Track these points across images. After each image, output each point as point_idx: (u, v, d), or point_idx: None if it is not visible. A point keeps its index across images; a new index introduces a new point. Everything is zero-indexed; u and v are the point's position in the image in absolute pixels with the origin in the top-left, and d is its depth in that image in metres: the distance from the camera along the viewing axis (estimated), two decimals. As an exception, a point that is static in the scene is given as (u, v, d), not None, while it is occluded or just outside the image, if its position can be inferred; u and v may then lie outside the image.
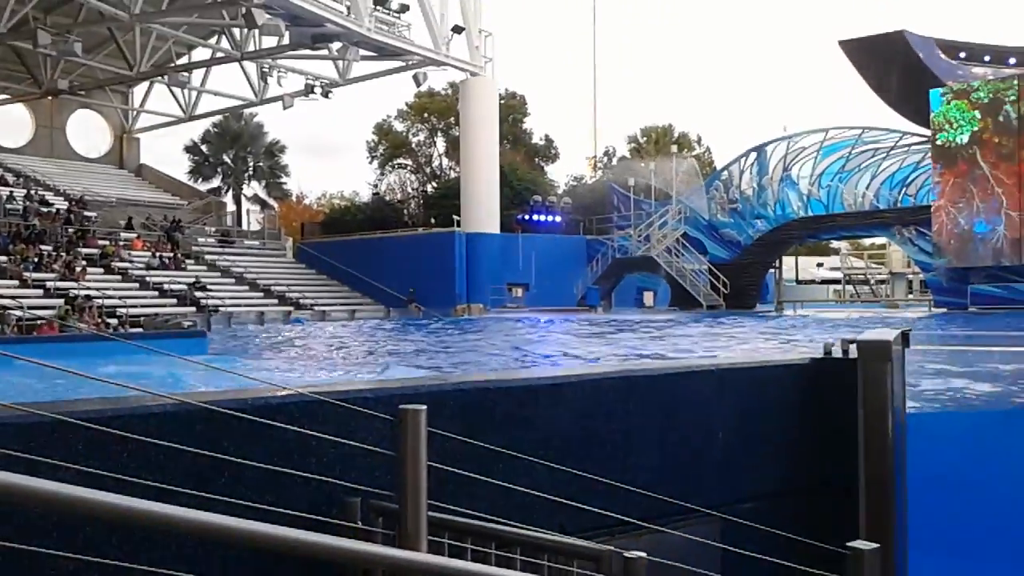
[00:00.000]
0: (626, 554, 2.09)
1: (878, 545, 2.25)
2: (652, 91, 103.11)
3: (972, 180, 25.13)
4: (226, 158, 48.62)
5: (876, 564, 2.23)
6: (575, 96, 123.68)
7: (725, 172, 33.11)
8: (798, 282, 45.39)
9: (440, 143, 53.18)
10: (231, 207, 46.30)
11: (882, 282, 43.17)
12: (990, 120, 25.00)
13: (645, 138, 60.16)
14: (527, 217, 38.79)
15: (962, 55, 27.12)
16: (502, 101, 42.74)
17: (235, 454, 2.19)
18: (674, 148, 41.41)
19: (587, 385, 3.31)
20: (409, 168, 53.86)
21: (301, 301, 32.81)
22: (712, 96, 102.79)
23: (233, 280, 33.32)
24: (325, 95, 35.84)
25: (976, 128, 25.17)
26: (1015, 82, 24.82)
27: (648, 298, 35.36)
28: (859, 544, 2.26)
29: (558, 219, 39.79)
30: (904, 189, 27.96)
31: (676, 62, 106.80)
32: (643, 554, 2.10)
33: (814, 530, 3.07)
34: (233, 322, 26.34)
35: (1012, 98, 24.62)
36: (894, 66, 26.74)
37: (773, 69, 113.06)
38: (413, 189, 53.24)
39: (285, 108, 36.68)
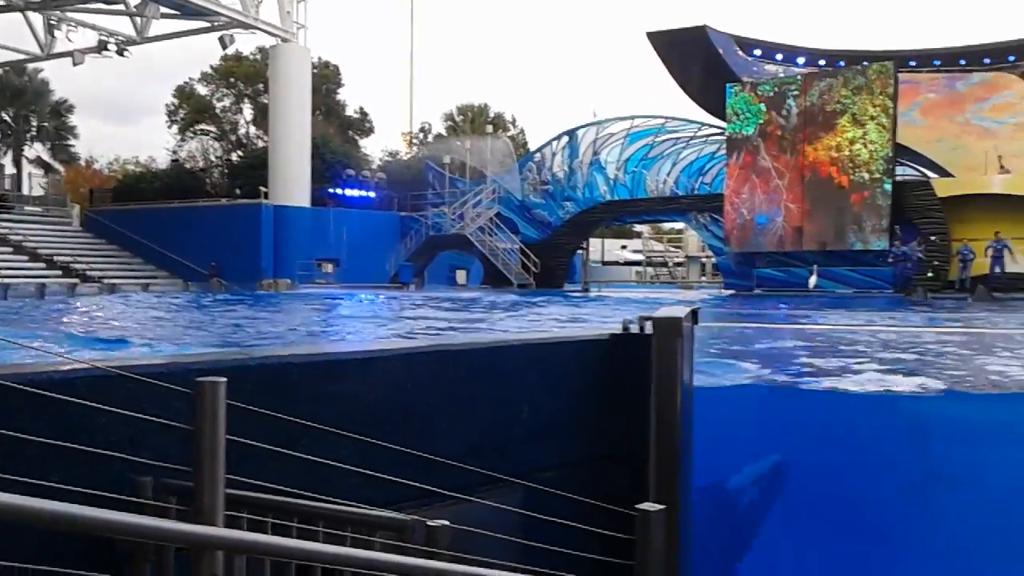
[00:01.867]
0: (429, 522, 2.13)
1: (664, 507, 2.42)
2: (469, 69, 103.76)
3: (756, 171, 27.17)
4: (5, 116, 44.25)
5: (661, 523, 2.40)
6: (391, 70, 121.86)
7: (538, 154, 33.93)
8: (604, 263, 47.45)
9: (247, 110, 50.88)
10: (10, 169, 42.31)
11: (679, 265, 45.95)
12: (774, 114, 27.06)
13: (461, 116, 60.50)
14: (339, 191, 38.05)
15: (757, 52, 29.22)
16: (315, 71, 41.53)
17: (16, 429, 2.02)
18: (489, 128, 41.96)
19: (396, 359, 3.32)
20: (212, 135, 51.12)
21: (88, 273, 30.53)
22: (527, 78, 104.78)
23: (11, 249, 30.46)
24: (120, 53, 33.38)
25: (762, 121, 27.18)
26: (798, 78, 27.04)
27: (461, 276, 35.73)
28: (646, 506, 2.43)
29: (372, 194, 39.33)
30: (701, 177, 29.85)
31: (494, 41, 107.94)
32: (446, 522, 2.15)
33: (610, 495, 3.25)
34: (9, 294, 24.14)
35: (795, 93, 26.80)
36: (695, 60, 28.35)
37: (587, 54, 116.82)
38: (216, 157, 50.51)
39: (75, 65, 33.84)
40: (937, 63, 26.95)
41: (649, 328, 3.74)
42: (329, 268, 34.77)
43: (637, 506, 2.45)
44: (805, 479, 4.49)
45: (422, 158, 43.69)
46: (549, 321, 13.34)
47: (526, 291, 27.99)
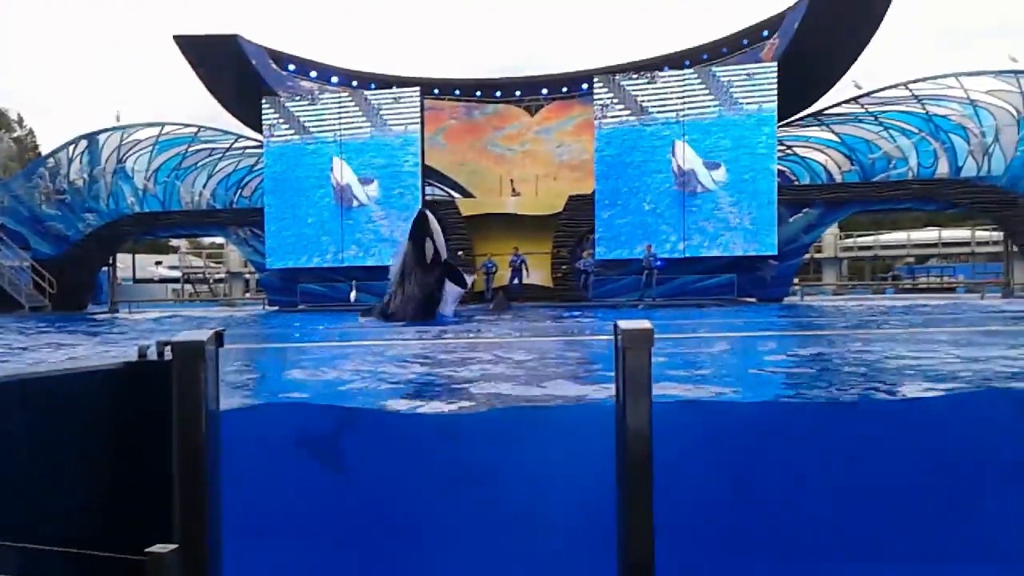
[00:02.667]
0: None
1: (176, 545, 2.23)
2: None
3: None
4: None
5: (175, 565, 2.21)
6: None
7: (51, 159, 30.24)
8: (136, 281, 43.98)
9: None
10: None
11: (220, 281, 44.41)
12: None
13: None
14: None
15: (292, 67, 29.45)
16: None
17: None
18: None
19: None
20: None
21: None
22: (43, 72, 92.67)
23: None
24: None
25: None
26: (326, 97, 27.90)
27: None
28: (158, 548, 2.22)
29: None
30: (240, 190, 29.18)
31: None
32: None
33: (128, 541, 2.94)
34: None
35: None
36: (228, 69, 27.67)
37: (112, 50, 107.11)
38: None
39: None
40: (457, 92, 29.81)
41: (169, 353, 3.48)
42: None
43: (147, 550, 2.23)
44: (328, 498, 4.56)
45: None
46: (64, 349, 11.88)
47: (40, 314, 24.72)
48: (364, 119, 27.18)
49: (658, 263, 23.87)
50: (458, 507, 4.44)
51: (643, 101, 25.59)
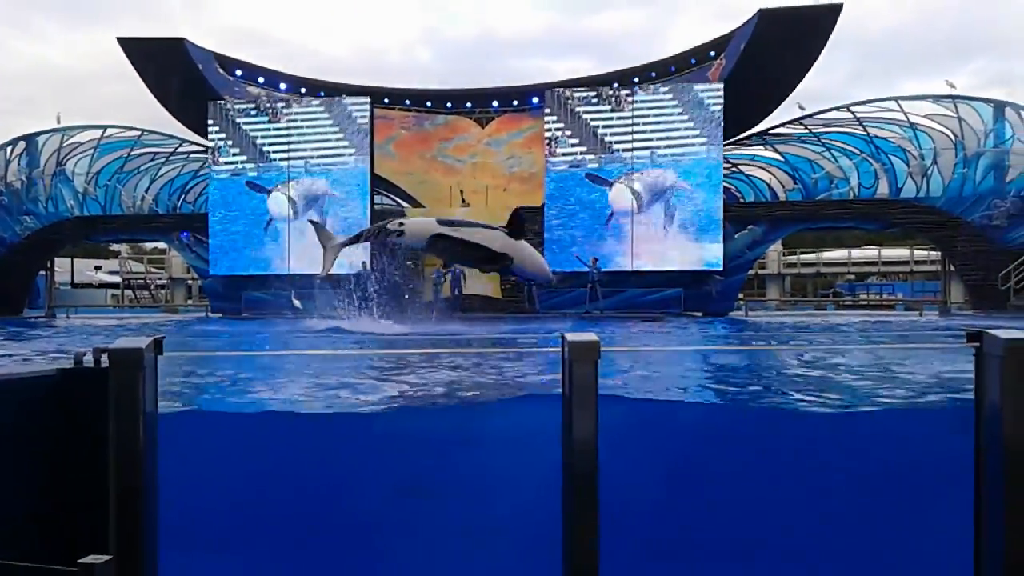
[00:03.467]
0: None
1: (110, 557, 2.18)
2: None
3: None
4: None
5: (110, 575, 2.16)
6: None
7: (-13, 160, 29.40)
8: (74, 286, 42.82)
9: None
10: None
11: (163, 287, 43.50)
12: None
13: None
14: None
15: (239, 72, 29.07)
16: None
17: None
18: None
19: None
20: None
21: None
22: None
23: None
24: None
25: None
26: (279, 105, 27.62)
27: None
28: (91, 559, 2.16)
29: None
30: (184, 196, 28.67)
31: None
32: None
33: (63, 553, 2.85)
34: None
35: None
36: (174, 73, 27.18)
37: (51, 51, 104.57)
38: None
39: None
40: (407, 102, 29.72)
41: (106, 361, 3.40)
42: None
43: (80, 560, 2.17)
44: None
45: None
46: (22, 354, 11.53)
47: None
48: (313, 129, 26.98)
49: (594, 272, 24.48)
50: (401, 507, 4.43)
51: (591, 121, 25.89)
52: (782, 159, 26.30)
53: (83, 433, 3.51)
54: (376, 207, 27.50)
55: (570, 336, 3.38)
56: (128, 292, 43.10)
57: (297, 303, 25.35)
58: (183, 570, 3.84)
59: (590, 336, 3.35)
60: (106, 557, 2.16)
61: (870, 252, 41.79)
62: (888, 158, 25.35)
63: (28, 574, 2.49)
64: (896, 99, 25.35)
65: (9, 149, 28.79)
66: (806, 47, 25.08)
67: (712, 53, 27.02)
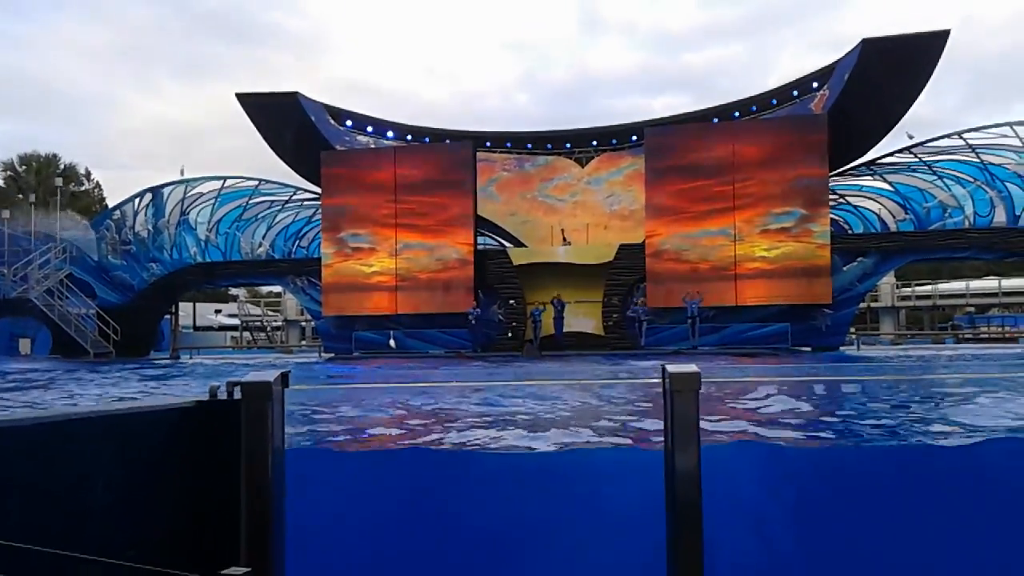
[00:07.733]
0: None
1: (249, 568, 2.40)
2: (36, 116, 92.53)
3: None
4: None
5: (247, 586, 2.38)
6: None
7: (117, 211, 31.48)
8: (196, 328, 45.04)
9: None
10: None
11: (278, 329, 45.32)
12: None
13: (24, 167, 53.83)
14: None
15: (349, 123, 30.37)
16: None
17: None
18: (59, 181, 37.98)
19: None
20: None
21: None
22: (102, 125, 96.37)
23: None
24: None
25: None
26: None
27: (24, 345, 31.49)
28: (232, 570, 2.39)
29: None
30: (298, 241, 29.96)
31: (66, 81, 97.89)
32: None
33: (202, 566, 3.11)
34: None
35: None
36: (288, 125, 28.61)
37: (175, 106, 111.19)
38: None
39: None
40: (509, 145, 30.34)
41: (238, 393, 3.70)
42: None
43: (221, 572, 2.40)
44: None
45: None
46: (135, 392, 12.32)
47: (105, 361, 25.48)
48: (418, 172, 27.87)
49: (694, 304, 24.05)
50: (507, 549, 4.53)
51: (693, 156, 25.73)
52: (892, 189, 25.51)
53: (217, 456, 3.81)
54: (479, 247, 28.02)
55: (671, 367, 3.47)
56: (246, 334, 45.03)
57: (392, 343, 26.23)
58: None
59: (691, 367, 3.44)
60: (245, 569, 2.38)
61: (990, 283, 39.81)
62: (1004, 185, 24.26)
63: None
64: (1011, 124, 24.32)
65: (137, 201, 30.75)
66: (912, 75, 24.39)
67: (815, 84, 26.60)
